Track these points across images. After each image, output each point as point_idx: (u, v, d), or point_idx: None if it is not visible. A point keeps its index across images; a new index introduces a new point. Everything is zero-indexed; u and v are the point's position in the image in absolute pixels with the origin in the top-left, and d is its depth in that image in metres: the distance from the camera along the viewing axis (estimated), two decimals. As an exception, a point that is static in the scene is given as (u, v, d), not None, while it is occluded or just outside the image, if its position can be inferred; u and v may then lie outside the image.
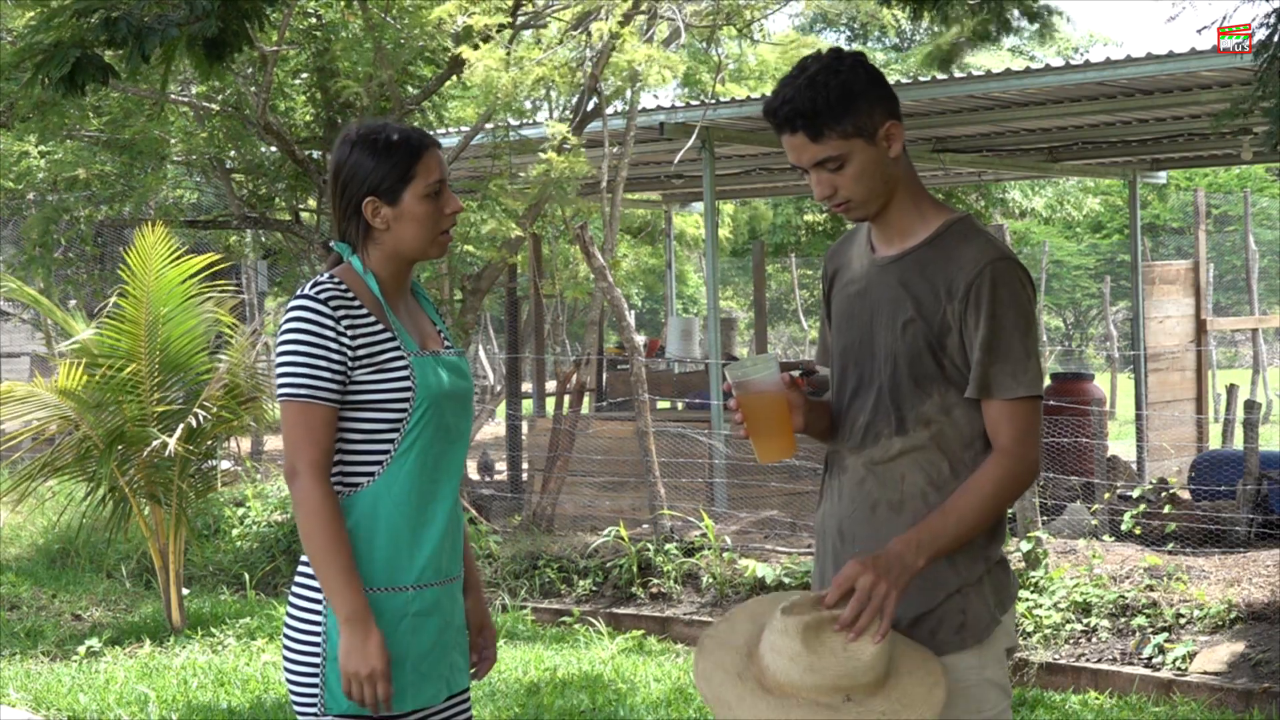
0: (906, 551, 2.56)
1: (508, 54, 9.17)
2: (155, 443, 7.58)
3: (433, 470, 2.84)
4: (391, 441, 2.81)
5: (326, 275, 2.84)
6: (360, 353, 2.78)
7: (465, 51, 8.86)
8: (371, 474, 2.80)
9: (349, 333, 2.77)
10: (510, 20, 9.40)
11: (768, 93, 2.91)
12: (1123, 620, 6.75)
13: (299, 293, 2.81)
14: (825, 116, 2.62)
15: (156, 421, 7.80)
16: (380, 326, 2.82)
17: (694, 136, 9.83)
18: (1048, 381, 13.02)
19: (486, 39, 9.01)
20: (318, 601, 2.79)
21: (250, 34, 4.48)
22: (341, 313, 2.77)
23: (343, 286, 2.81)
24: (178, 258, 7.86)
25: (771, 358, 2.82)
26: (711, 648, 2.64)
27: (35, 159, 10.26)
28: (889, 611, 2.51)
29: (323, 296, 2.78)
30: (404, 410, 2.80)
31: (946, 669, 2.62)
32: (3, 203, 11.24)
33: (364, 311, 2.81)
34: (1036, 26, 5.98)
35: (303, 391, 2.75)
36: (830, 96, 2.61)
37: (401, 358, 2.81)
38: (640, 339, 9.97)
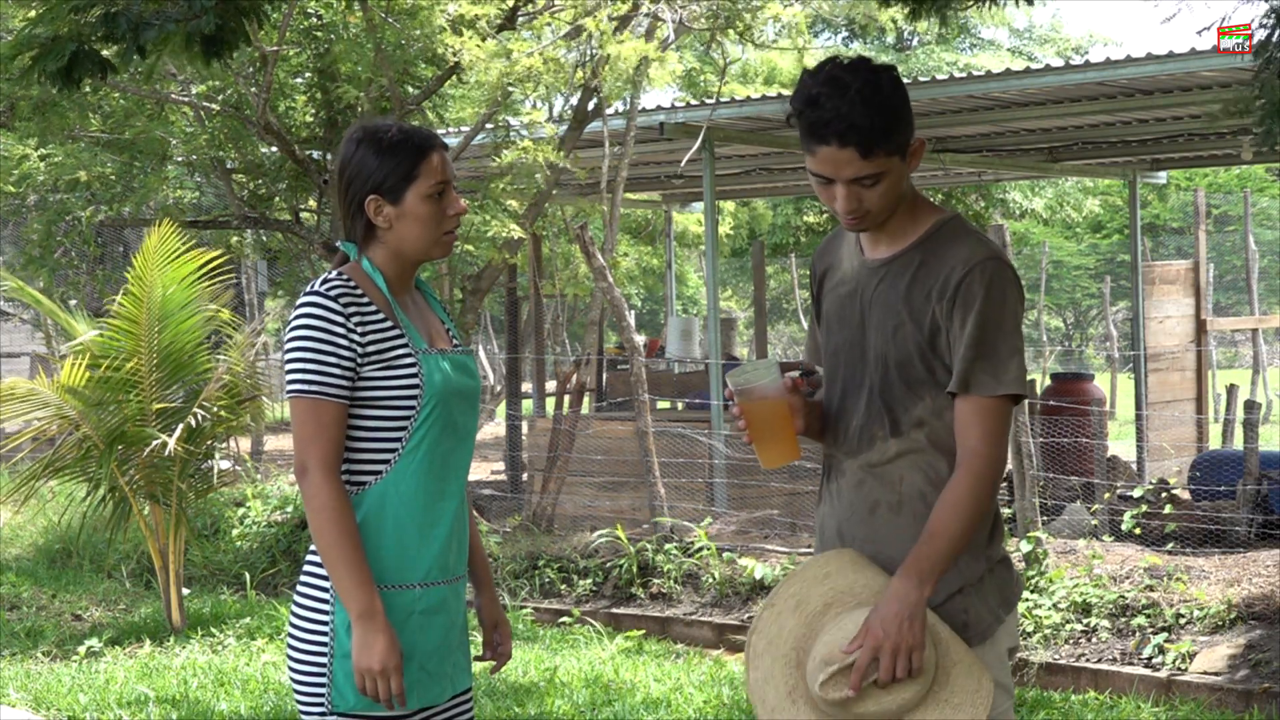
0: (909, 590, 2.56)
1: (499, 45, 9.14)
2: (155, 443, 7.58)
3: (440, 468, 2.84)
4: (399, 439, 2.80)
5: (335, 272, 2.84)
6: (370, 349, 2.78)
7: (448, 37, 8.83)
8: (379, 472, 2.80)
9: (359, 329, 2.77)
10: (505, 17, 9.39)
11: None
12: (1123, 620, 6.75)
13: (308, 289, 2.81)
14: (879, 134, 2.59)
15: (156, 421, 7.80)
16: (389, 324, 2.82)
17: (699, 139, 9.82)
18: (1048, 381, 13.02)
19: (484, 38, 9.00)
20: (324, 600, 2.78)
21: (248, 31, 4.47)
22: (351, 309, 2.77)
23: (352, 283, 2.81)
24: (179, 254, 7.83)
25: (773, 363, 2.83)
26: (761, 650, 2.65)
27: (35, 161, 10.25)
28: (917, 657, 2.54)
29: (333, 293, 2.78)
30: (412, 407, 2.80)
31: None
32: (3, 204, 11.22)
33: (374, 309, 2.81)
34: None
35: (312, 388, 2.74)
36: (886, 115, 2.60)
37: (410, 355, 2.81)
38: (640, 339, 9.96)
